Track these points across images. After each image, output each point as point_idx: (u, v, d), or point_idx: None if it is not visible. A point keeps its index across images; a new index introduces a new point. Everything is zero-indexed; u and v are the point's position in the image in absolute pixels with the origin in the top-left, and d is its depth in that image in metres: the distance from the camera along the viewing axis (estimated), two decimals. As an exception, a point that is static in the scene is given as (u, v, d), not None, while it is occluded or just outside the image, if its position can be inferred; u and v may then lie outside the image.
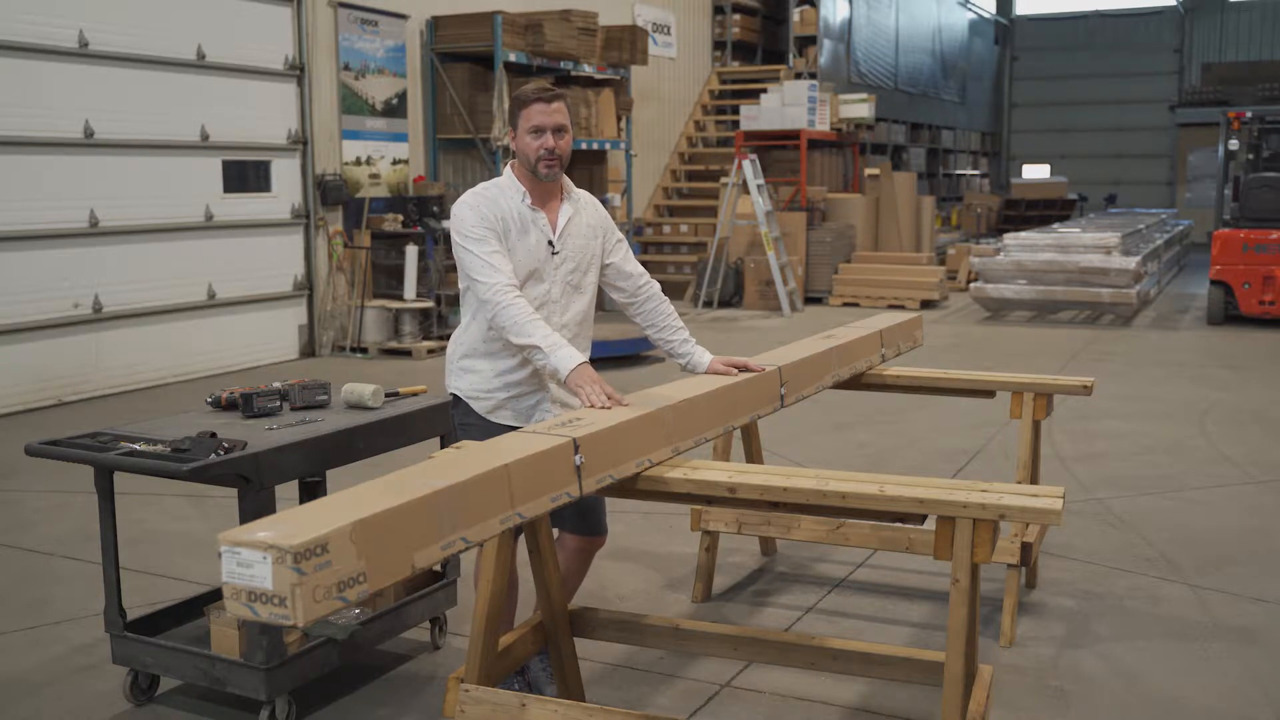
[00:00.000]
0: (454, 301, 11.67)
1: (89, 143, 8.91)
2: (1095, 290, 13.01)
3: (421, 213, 11.40)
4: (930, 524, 2.89)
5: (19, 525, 5.75)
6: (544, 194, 3.48)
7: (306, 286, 10.91)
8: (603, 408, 3.14)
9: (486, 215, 3.37)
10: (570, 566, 3.66)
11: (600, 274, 3.62)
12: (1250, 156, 13.85)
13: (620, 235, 3.70)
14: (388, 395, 4.00)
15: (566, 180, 3.56)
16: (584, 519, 3.59)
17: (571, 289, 3.52)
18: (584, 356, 3.42)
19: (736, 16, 19.22)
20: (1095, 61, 30.69)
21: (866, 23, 21.55)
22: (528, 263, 3.42)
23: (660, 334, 3.69)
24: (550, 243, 3.46)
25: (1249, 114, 14.09)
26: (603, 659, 4.03)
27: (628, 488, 3.09)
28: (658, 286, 3.72)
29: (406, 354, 10.93)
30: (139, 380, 9.32)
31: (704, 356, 3.66)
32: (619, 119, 14.12)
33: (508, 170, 3.52)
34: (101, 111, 8.97)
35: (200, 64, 9.77)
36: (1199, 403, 8.60)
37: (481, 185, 3.50)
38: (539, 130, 3.38)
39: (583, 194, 3.63)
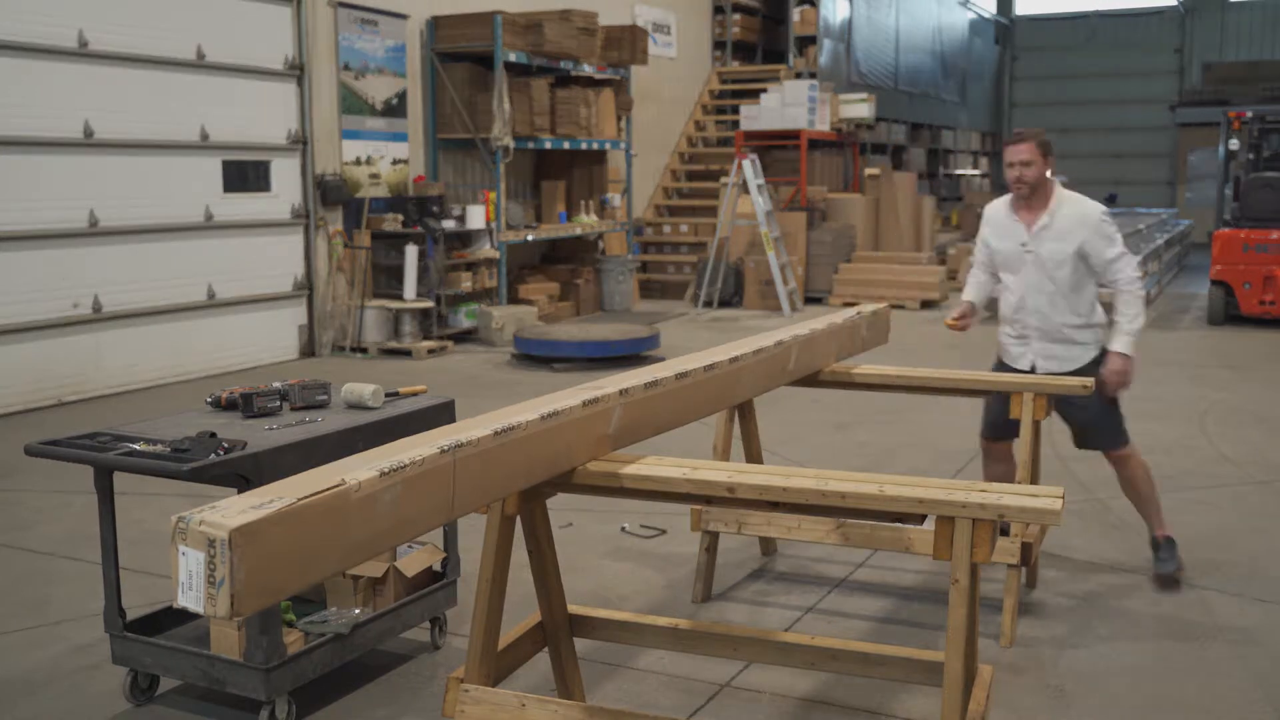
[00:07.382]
0: (454, 301, 11.68)
1: (89, 143, 8.91)
2: (1095, 290, 12.97)
3: (421, 212, 11.40)
4: (930, 524, 2.89)
5: (19, 525, 5.75)
6: (1024, 206, 4.85)
7: (306, 286, 10.91)
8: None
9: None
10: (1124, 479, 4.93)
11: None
12: (1251, 156, 13.82)
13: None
14: (388, 395, 4.00)
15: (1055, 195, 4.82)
16: (1099, 437, 4.93)
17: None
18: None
19: (736, 16, 19.20)
20: (1095, 61, 30.66)
21: (866, 22, 21.54)
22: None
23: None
24: (1023, 244, 4.80)
25: (1249, 114, 14.05)
26: (603, 659, 4.03)
27: (627, 488, 3.08)
28: (1123, 279, 4.77)
29: (406, 354, 10.93)
30: (139, 380, 9.32)
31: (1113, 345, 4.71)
32: (619, 119, 14.13)
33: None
34: (101, 111, 8.96)
35: (200, 64, 9.77)
36: (1199, 403, 8.60)
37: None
38: (1008, 165, 4.76)
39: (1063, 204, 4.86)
